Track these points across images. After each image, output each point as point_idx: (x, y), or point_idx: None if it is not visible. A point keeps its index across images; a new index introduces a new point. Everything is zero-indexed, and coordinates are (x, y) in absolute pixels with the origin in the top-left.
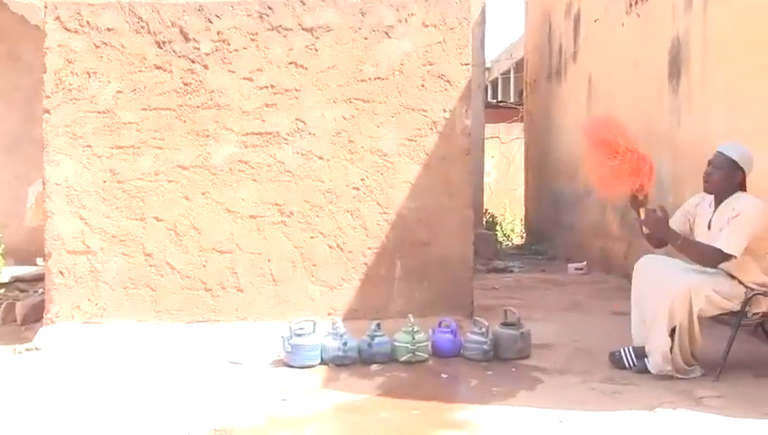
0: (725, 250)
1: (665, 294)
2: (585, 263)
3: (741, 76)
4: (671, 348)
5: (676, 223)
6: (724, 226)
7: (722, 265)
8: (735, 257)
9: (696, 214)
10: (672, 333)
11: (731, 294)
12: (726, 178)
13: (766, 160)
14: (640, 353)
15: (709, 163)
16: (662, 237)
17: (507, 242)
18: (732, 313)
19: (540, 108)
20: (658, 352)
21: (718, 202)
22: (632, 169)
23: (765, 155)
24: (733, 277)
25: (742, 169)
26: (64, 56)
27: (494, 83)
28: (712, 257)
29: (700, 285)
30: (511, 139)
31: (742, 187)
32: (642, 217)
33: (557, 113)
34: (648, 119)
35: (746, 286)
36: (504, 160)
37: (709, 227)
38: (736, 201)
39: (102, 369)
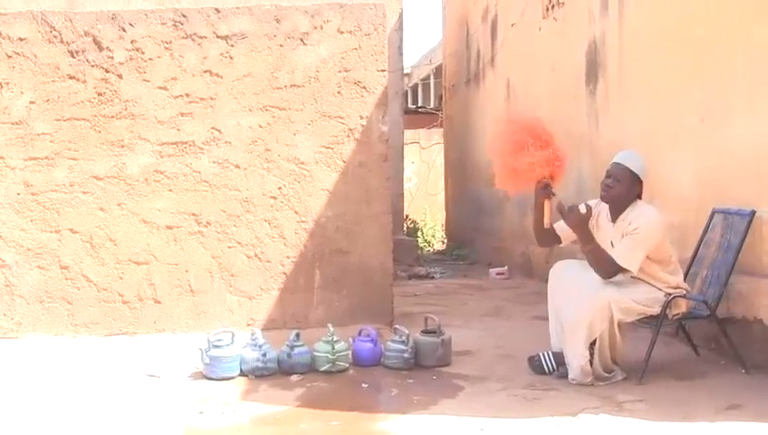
0: (621, 264)
1: (584, 306)
2: (506, 268)
3: (655, 79)
4: (590, 361)
5: (567, 228)
6: (622, 238)
7: (637, 275)
8: (631, 272)
9: (597, 225)
10: (592, 344)
11: (650, 300)
12: (627, 191)
13: (679, 162)
14: (560, 359)
15: (608, 174)
16: (579, 234)
17: (428, 248)
18: (652, 316)
19: (459, 113)
20: (577, 366)
21: (615, 214)
22: (543, 160)
23: (678, 156)
24: (650, 284)
25: (641, 180)
26: None
27: (414, 89)
28: (609, 269)
29: (619, 297)
30: (431, 144)
31: (639, 196)
32: (555, 207)
33: (476, 118)
34: (566, 121)
35: (663, 290)
36: (424, 166)
37: (612, 244)
38: (635, 215)
39: (17, 385)
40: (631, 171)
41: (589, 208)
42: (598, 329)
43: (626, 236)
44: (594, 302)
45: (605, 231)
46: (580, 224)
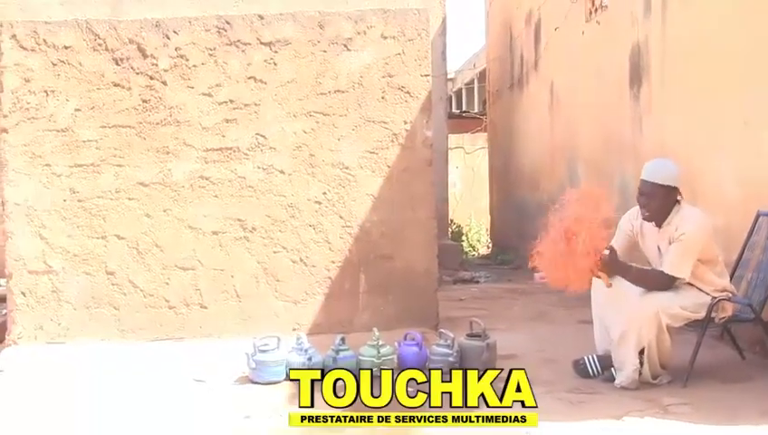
0: (673, 274)
1: (632, 316)
2: None
3: (699, 81)
4: (639, 370)
5: (617, 245)
6: (669, 245)
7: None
8: (684, 279)
9: (642, 233)
10: (641, 352)
11: (697, 305)
12: (664, 204)
13: (723, 164)
14: (605, 363)
15: (641, 193)
16: (618, 272)
17: (473, 252)
18: (698, 320)
19: (503, 117)
20: (626, 374)
21: (660, 221)
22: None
23: (722, 159)
24: (697, 288)
25: (675, 187)
26: (21, 75)
27: (459, 94)
28: (662, 284)
29: (667, 305)
30: (475, 149)
31: (679, 199)
32: (602, 271)
33: (520, 123)
34: (610, 126)
35: (710, 295)
36: (468, 171)
37: (659, 249)
38: (680, 219)
39: (66, 390)
40: (662, 185)
41: (612, 249)
42: (646, 337)
43: (673, 243)
44: (641, 311)
45: (651, 237)
46: (615, 266)
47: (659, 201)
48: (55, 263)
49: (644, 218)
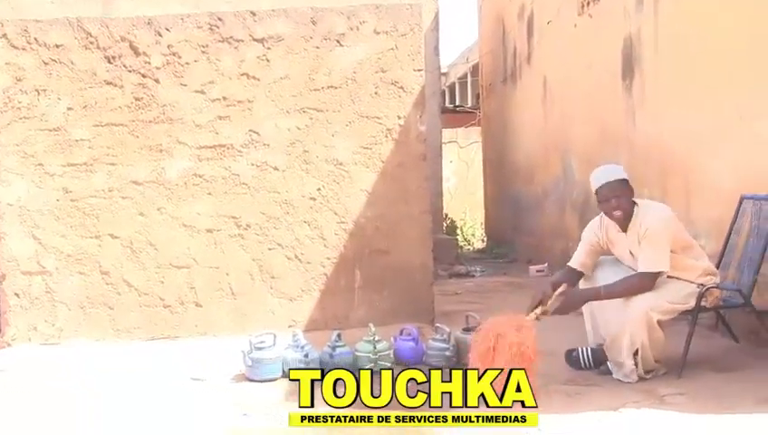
0: (652, 270)
1: (623, 320)
2: (546, 265)
3: (691, 74)
4: (635, 369)
5: (584, 257)
6: (640, 244)
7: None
8: (666, 272)
9: (611, 242)
10: (635, 353)
11: (685, 296)
12: (629, 199)
13: (717, 156)
14: (598, 357)
15: (606, 198)
16: (590, 299)
17: (468, 246)
18: (689, 311)
19: (496, 111)
20: (623, 373)
21: (624, 224)
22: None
23: (716, 150)
24: (681, 279)
25: (628, 182)
26: (13, 74)
27: (452, 88)
28: (645, 284)
29: (656, 303)
30: (469, 143)
31: (635, 200)
32: (553, 310)
33: (513, 116)
34: (603, 119)
35: (695, 282)
36: (462, 165)
37: (632, 253)
38: (642, 216)
39: (61, 391)
40: (621, 180)
41: (561, 291)
42: (639, 339)
43: (642, 241)
44: (631, 314)
45: (621, 244)
46: (575, 301)
47: (625, 198)
48: (49, 263)
49: (617, 220)
